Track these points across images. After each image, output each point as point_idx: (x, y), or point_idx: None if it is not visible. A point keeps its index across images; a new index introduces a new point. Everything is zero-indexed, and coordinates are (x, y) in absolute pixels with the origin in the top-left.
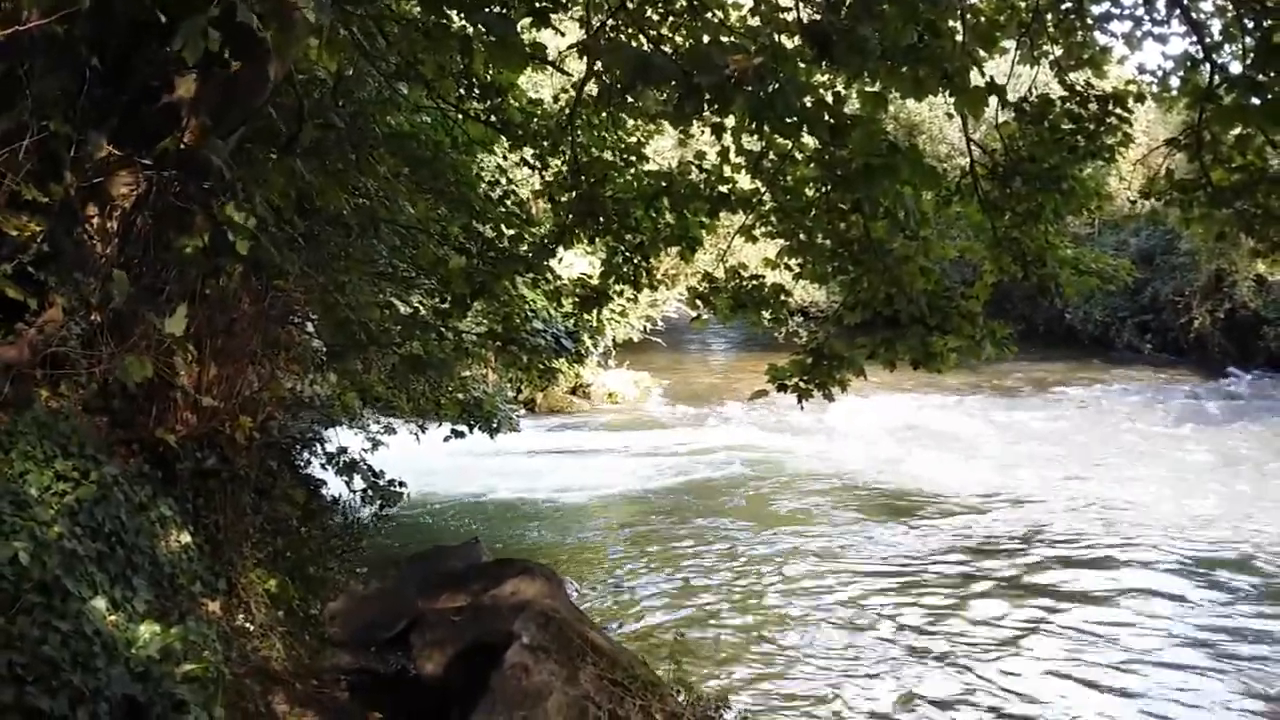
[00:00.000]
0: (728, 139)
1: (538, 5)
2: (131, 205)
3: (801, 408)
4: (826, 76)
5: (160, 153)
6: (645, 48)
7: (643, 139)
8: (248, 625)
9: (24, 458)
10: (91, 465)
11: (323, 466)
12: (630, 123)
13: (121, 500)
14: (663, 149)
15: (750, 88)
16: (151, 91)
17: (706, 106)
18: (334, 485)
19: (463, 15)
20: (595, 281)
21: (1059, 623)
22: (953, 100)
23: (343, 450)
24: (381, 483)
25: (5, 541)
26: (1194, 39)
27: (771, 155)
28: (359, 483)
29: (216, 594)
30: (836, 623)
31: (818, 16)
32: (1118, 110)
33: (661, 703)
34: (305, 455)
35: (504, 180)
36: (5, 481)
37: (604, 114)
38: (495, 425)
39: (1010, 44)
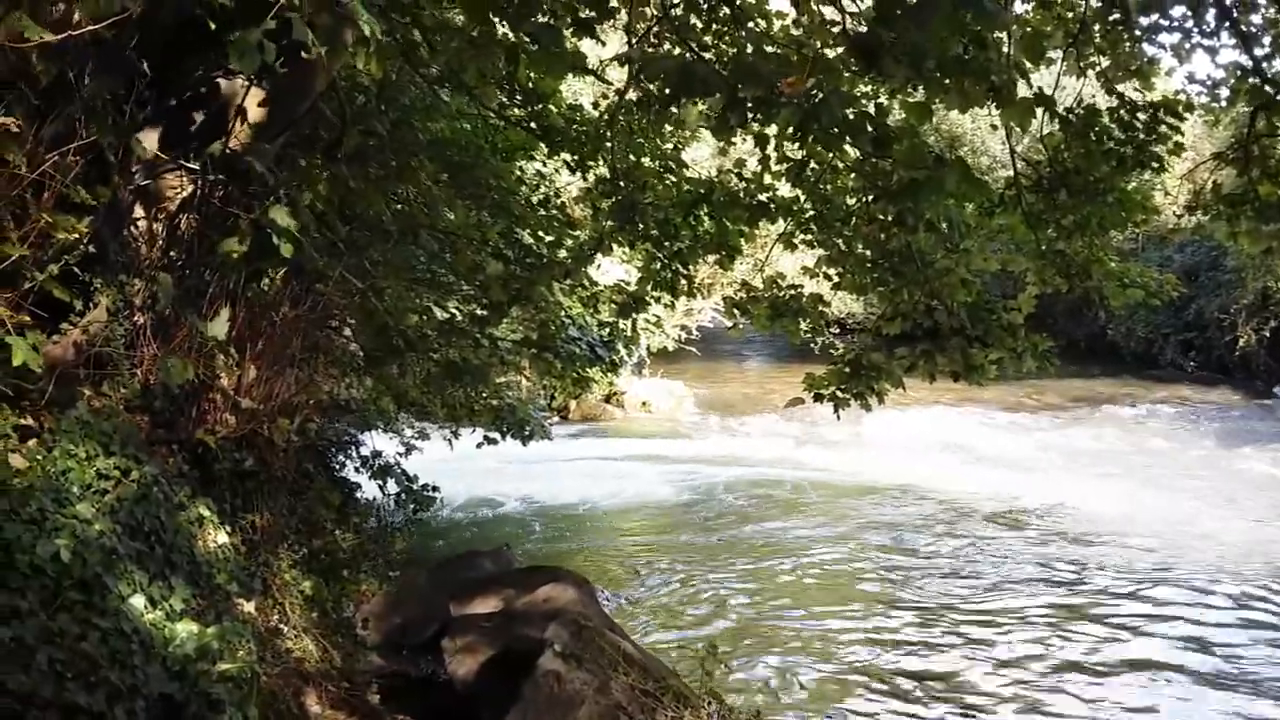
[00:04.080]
0: (769, 147)
1: (582, 16)
2: (177, 208)
3: (838, 417)
4: (869, 87)
5: (206, 156)
6: (687, 57)
7: (680, 144)
8: (282, 626)
9: (66, 456)
10: (132, 464)
11: (357, 470)
12: (668, 129)
13: (161, 499)
14: (701, 157)
15: (795, 100)
16: (199, 96)
17: (750, 117)
18: (368, 489)
19: (506, 24)
20: (633, 288)
21: (1106, 650)
22: (998, 113)
23: (377, 454)
24: (415, 487)
25: (47, 538)
26: (1244, 51)
27: (813, 165)
28: (393, 487)
29: (252, 594)
30: (873, 638)
31: (863, 28)
32: (1167, 119)
33: (694, 714)
34: (340, 458)
35: (545, 185)
36: (48, 479)
37: (644, 121)
38: (528, 432)
39: (1056, 54)
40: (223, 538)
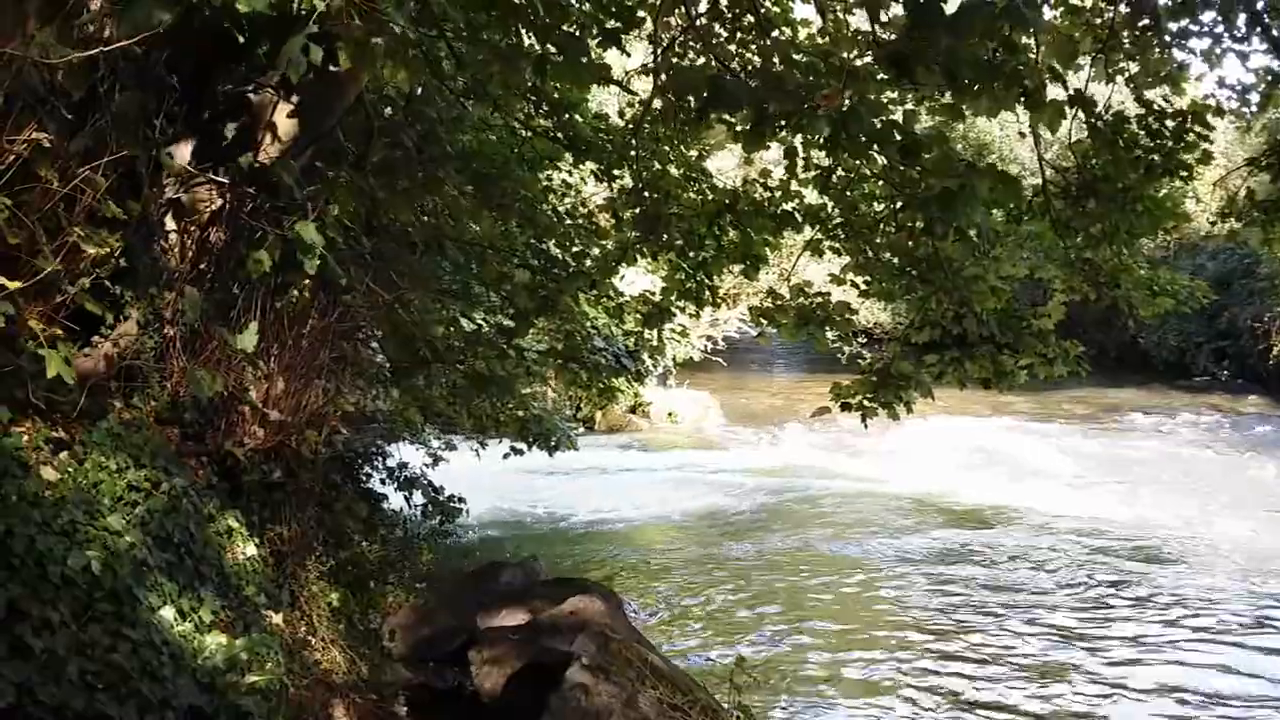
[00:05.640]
0: (797, 156)
1: (608, 27)
2: (207, 221)
3: (865, 426)
4: (895, 94)
5: (235, 169)
6: (713, 67)
7: (704, 152)
8: (309, 637)
9: (98, 468)
10: (162, 476)
11: (382, 481)
12: (691, 139)
13: (190, 511)
14: (726, 167)
15: (828, 112)
16: (229, 110)
17: (779, 128)
18: (394, 500)
19: (533, 36)
20: (658, 298)
21: (1133, 660)
22: (1027, 118)
23: (404, 465)
24: (441, 498)
25: (79, 550)
26: (1275, 56)
27: (840, 172)
28: (419, 498)
29: (280, 606)
30: (903, 652)
31: (892, 36)
32: (1196, 126)
33: None
34: (367, 470)
35: (571, 194)
36: (79, 491)
37: (670, 130)
38: (554, 443)
39: (1084, 60)
40: (251, 549)
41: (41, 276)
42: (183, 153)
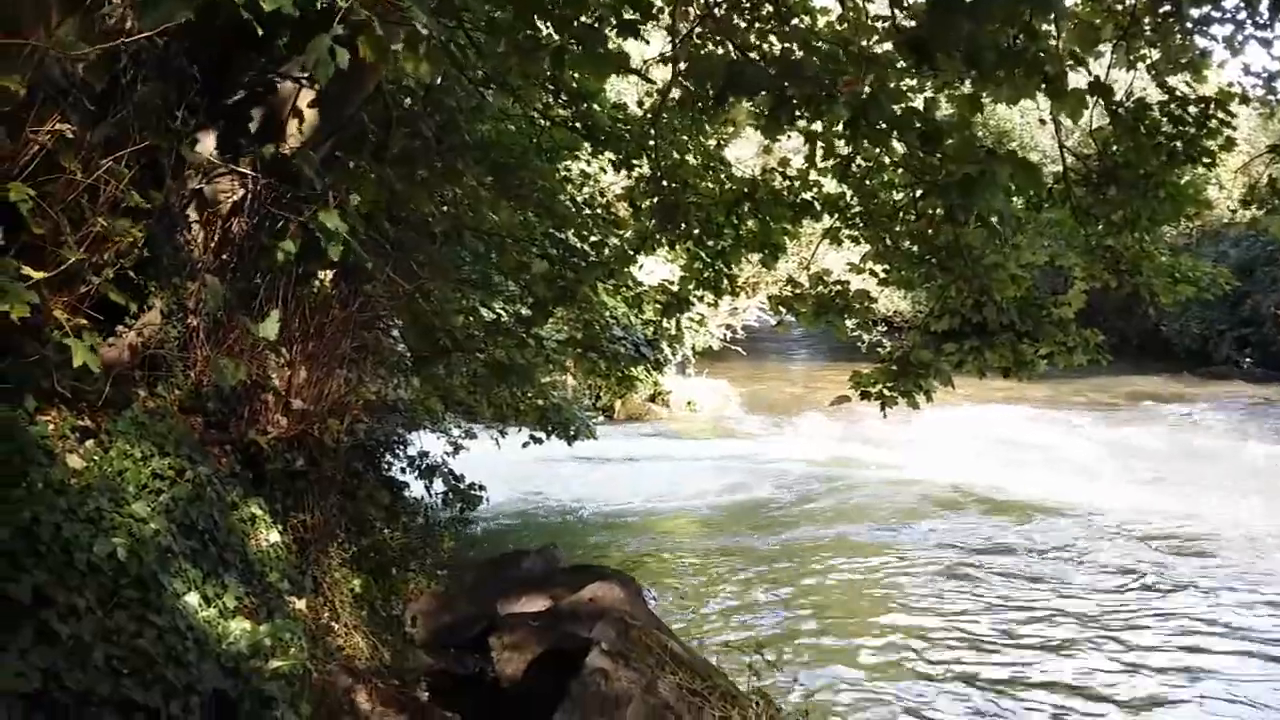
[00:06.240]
0: (816, 144)
1: (626, 17)
2: (229, 211)
3: (885, 415)
4: (915, 82)
5: (257, 160)
6: (733, 55)
7: (722, 141)
8: (332, 623)
9: (123, 456)
10: (186, 464)
11: (404, 470)
12: (709, 127)
13: (214, 499)
14: (745, 156)
15: (847, 99)
16: (251, 100)
17: (798, 115)
18: (416, 488)
19: (551, 26)
20: (676, 287)
21: (1157, 663)
22: (1049, 105)
23: (425, 454)
24: (462, 486)
25: (104, 537)
26: None
27: (859, 160)
28: (440, 486)
29: (303, 592)
30: (925, 641)
31: (912, 23)
32: (1219, 113)
33: (741, 714)
34: (388, 458)
35: (590, 184)
36: (105, 479)
37: (689, 119)
38: (573, 432)
39: (1105, 48)
40: (274, 536)
41: (66, 266)
42: (205, 144)
